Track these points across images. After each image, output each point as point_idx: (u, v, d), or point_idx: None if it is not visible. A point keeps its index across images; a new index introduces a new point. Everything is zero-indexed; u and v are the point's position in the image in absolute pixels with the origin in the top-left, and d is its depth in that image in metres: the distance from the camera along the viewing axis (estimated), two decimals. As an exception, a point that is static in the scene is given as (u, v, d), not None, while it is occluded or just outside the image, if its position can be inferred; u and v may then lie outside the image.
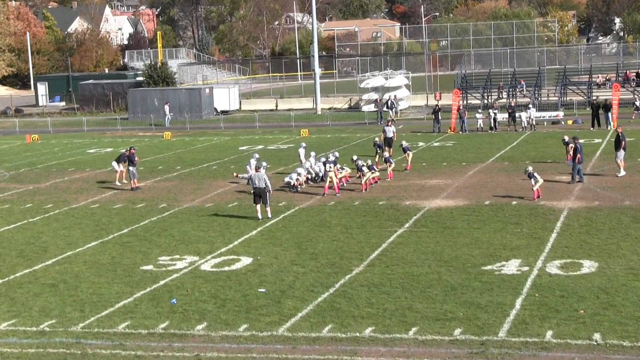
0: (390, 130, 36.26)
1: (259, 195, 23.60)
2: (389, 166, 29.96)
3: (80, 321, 15.18)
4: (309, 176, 29.22)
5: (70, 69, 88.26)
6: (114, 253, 20.39)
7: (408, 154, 32.18)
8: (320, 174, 29.10)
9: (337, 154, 30.12)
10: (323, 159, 29.31)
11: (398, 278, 16.99)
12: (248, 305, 15.67)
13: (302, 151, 32.01)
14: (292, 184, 27.93)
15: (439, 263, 18.07)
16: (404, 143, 32.84)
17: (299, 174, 28.33)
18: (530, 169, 25.39)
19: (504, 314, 14.49)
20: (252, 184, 23.72)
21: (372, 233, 21.39)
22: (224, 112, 62.99)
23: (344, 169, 28.81)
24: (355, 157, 28.72)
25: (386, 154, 29.63)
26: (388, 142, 36.24)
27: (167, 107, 58.22)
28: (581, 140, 32.38)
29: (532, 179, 24.98)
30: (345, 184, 28.57)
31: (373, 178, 28.42)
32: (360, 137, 44.27)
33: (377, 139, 33.16)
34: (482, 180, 29.17)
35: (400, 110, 58.16)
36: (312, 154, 30.96)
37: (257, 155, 30.25)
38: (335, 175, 27.05)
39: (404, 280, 16.84)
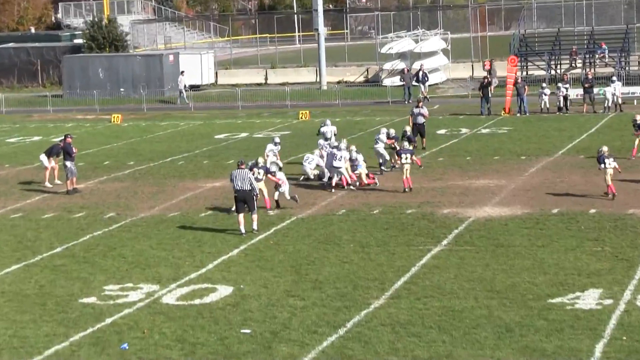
0: (422, 114, 36.23)
1: (243, 200, 23.61)
2: (399, 160, 29.51)
3: (-4, 374, 15.17)
4: (316, 172, 30.12)
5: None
6: (42, 280, 20.38)
7: (414, 145, 32.05)
8: (327, 174, 29.55)
9: (345, 143, 29.97)
10: (326, 149, 29.69)
11: (433, 315, 16.98)
12: (227, 351, 15.65)
13: (271, 148, 31.33)
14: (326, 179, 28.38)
15: (489, 294, 18.05)
16: (408, 130, 32.60)
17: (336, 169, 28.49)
18: (604, 149, 25.43)
19: (579, 365, 14.49)
20: (233, 185, 23.78)
21: (398, 253, 21.38)
22: (194, 87, 63.02)
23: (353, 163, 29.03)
24: (392, 133, 30.96)
25: (406, 144, 29.48)
26: (419, 129, 36.22)
27: (181, 79, 58.16)
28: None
29: (602, 164, 25.09)
30: (352, 186, 28.70)
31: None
32: (380, 122, 44.28)
33: (407, 128, 33.10)
34: (548, 181, 29.17)
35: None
36: (316, 152, 31.07)
37: (330, 127, 32.64)
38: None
39: (441, 317, 16.83)
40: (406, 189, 27.92)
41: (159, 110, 55.37)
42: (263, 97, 58.49)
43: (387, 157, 31.70)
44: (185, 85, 57.96)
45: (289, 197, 26.32)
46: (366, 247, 22.00)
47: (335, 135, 32.22)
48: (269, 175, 26.03)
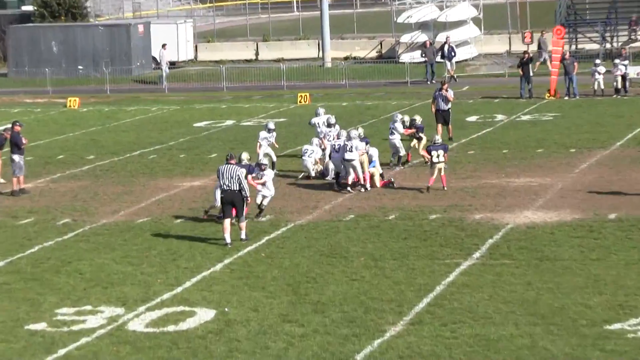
0: (446, 98, 35.89)
1: (231, 202, 23.59)
2: (428, 158, 29.41)
3: None
4: (317, 168, 30.55)
5: None
6: (-19, 302, 20.25)
7: (420, 138, 31.90)
8: (331, 171, 29.76)
9: (360, 131, 29.93)
10: (338, 140, 29.69)
11: (463, 344, 16.92)
12: (208, 390, 15.56)
13: (264, 136, 31.62)
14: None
15: (532, 319, 17.98)
16: (417, 118, 32.42)
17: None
18: None
19: (644, 407, 14.42)
20: (219, 182, 23.77)
21: (419, 268, 21.31)
22: (169, 65, 62.91)
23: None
24: (418, 119, 31.23)
25: (437, 138, 29.19)
26: (443, 116, 35.95)
27: (164, 54, 58.10)
28: None
29: None
30: (362, 188, 28.66)
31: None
32: (396, 107, 44.19)
33: (417, 117, 32.71)
34: (603, 179, 29.19)
35: None
36: (315, 141, 31.34)
37: (325, 117, 32.64)
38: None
39: (472, 348, 16.77)
40: (430, 187, 27.88)
41: (126, 93, 55.27)
42: (253, 76, 58.41)
43: (403, 152, 31.56)
44: (167, 63, 57.89)
45: (258, 202, 25.96)
46: (380, 261, 21.88)
47: (333, 124, 31.99)
48: (249, 179, 25.06)
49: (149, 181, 31.47)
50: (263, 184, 25.86)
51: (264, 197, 25.98)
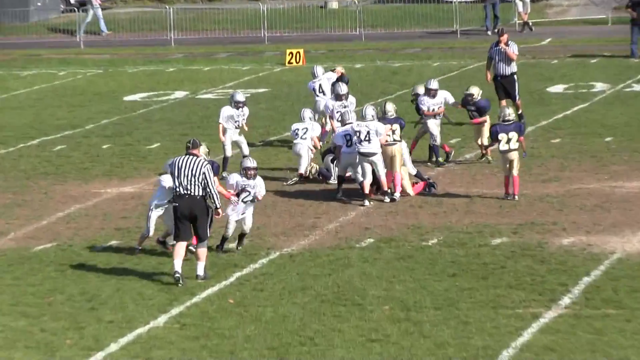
0: (506, 56, 35.65)
1: (189, 215, 23.62)
2: (485, 151, 30.72)
3: None
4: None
5: None
6: None
7: (485, 120, 32.14)
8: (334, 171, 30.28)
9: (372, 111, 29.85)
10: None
11: None
12: None
13: (229, 114, 31.73)
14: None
15: (654, 403, 17.87)
16: (475, 92, 32.47)
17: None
18: None
19: None
20: (173, 183, 23.79)
21: (475, 322, 21.24)
22: (83, 5, 63.12)
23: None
24: (476, 93, 32.02)
25: (508, 112, 29.16)
26: (503, 86, 35.67)
27: None
28: None
29: None
30: (387, 196, 28.96)
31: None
32: (438, 70, 44.12)
33: (473, 89, 32.64)
34: None
35: None
36: (307, 113, 31.71)
37: (324, 77, 33.68)
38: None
39: None
40: (509, 196, 28.22)
41: (20, 49, 55.57)
42: (217, 22, 58.80)
43: (438, 140, 31.75)
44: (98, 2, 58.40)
45: (228, 234, 25.87)
46: (414, 311, 21.80)
47: (345, 95, 31.95)
48: (218, 183, 24.96)
49: (54, 186, 31.71)
50: (233, 203, 25.58)
51: (231, 216, 25.72)
